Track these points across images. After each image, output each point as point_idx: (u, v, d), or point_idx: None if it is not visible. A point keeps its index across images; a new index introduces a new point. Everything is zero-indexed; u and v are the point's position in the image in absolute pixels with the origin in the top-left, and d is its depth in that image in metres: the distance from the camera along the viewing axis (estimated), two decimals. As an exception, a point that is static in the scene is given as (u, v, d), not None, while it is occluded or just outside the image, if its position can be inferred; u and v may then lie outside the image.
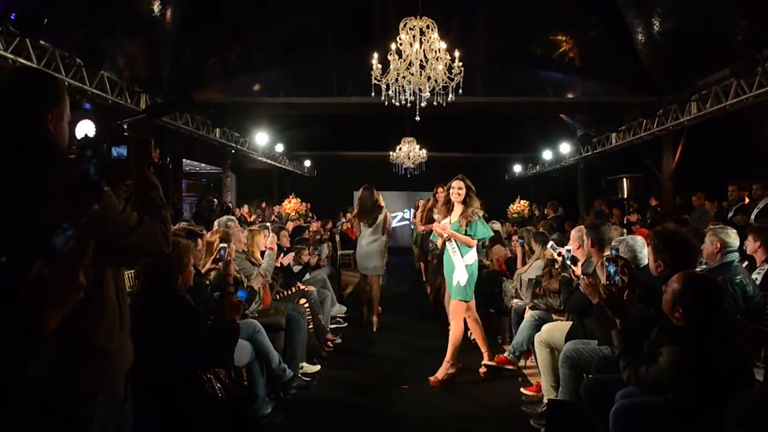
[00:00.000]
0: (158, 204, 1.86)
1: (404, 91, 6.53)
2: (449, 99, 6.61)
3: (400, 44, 6.38)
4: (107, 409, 1.71)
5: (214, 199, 13.90)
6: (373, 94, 6.58)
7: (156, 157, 1.95)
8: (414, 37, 6.33)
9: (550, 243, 5.32)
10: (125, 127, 1.71)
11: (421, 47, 6.32)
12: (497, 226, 9.09)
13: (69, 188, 1.24)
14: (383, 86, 6.50)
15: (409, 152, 15.25)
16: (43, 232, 1.12)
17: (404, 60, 6.36)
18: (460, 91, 6.54)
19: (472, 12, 10.43)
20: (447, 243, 5.43)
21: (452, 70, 6.40)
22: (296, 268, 6.91)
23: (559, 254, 5.00)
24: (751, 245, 4.56)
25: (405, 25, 6.42)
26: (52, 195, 1.35)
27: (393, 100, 6.59)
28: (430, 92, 6.53)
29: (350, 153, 19.56)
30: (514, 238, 7.40)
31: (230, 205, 13.80)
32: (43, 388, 1.20)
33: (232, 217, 5.77)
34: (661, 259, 3.22)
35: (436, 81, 6.44)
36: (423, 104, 6.72)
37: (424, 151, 15.46)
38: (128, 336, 1.90)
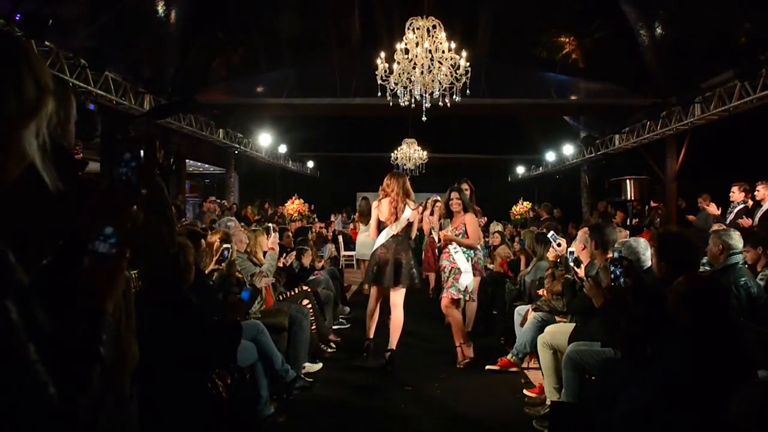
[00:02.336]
0: (163, 204, 1.88)
1: (408, 91, 6.55)
2: (456, 100, 6.63)
3: (406, 44, 6.39)
4: (113, 407, 1.72)
5: (217, 200, 13.92)
6: (379, 94, 6.59)
7: (160, 158, 1.97)
8: (422, 37, 6.34)
9: (551, 233, 5.34)
10: (130, 128, 1.75)
11: (427, 47, 6.33)
12: (499, 227, 9.09)
13: (108, 190, 1.28)
14: (389, 87, 6.51)
15: (409, 153, 15.25)
16: (56, 231, 1.16)
17: (410, 60, 6.37)
18: (468, 92, 6.55)
19: (476, 14, 10.44)
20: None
21: (458, 71, 6.41)
22: (299, 269, 6.91)
23: (559, 244, 5.07)
24: (751, 254, 4.53)
25: (411, 25, 6.43)
26: (63, 196, 1.38)
27: (401, 102, 6.60)
28: (437, 92, 6.55)
29: (353, 154, 19.60)
30: (516, 239, 7.43)
31: (232, 206, 13.81)
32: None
33: (233, 218, 5.77)
34: (664, 261, 3.22)
35: (440, 82, 6.46)
36: (427, 105, 6.74)
37: (424, 152, 15.47)
38: (134, 335, 1.91)
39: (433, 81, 6.43)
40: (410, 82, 6.49)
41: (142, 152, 1.37)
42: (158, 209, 1.83)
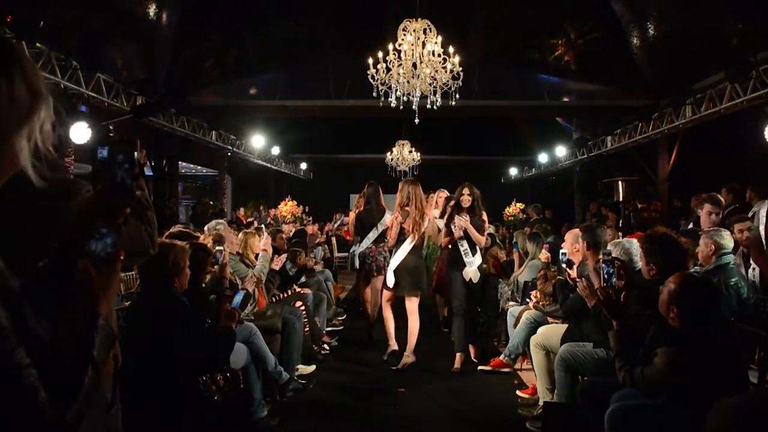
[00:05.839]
0: (143, 205, 1.87)
1: (396, 93, 6.55)
2: (451, 103, 6.65)
3: (399, 45, 6.40)
4: (94, 411, 1.70)
5: (210, 202, 13.88)
6: (374, 94, 6.59)
7: (143, 158, 1.96)
8: (417, 39, 6.35)
9: (562, 252, 5.20)
10: (111, 128, 1.74)
11: (419, 50, 6.34)
12: (491, 229, 9.09)
13: (101, 192, 1.29)
14: (380, 88, 6.52)
15: (402, 155, 15.28)
16: (45, 234, 1.17)
17: (403, 62, 6.38)
18: (457, 95, 6.57)
19: (469, 15, 10.46)
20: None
21: (450, 73, 6.42)
22: (292, 271, 6.91)
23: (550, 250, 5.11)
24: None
25: (404, 28, 6.43)
26: (52, 198, 1.38)
27: (391, 103, 6.61)
28: (430, 94, 6.56)
29: (346, 156, 19.61)
30: (513, 242, 7.42)
31: (223, 208, 13.77)
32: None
33: (221, 221, 5.77)
34: (653, 263, 3.24)
35: (431, 85, 6.47)
36: (415, 107, 6.75)
37: (417, 154, 15.50)
38: (117, 336, 1.89)
39: (418, 78, 6.43)
40: (399, 83, 6.49)
41: (135, 153, 1.37)
42: (139, 210, 1.82)
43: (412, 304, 5.89)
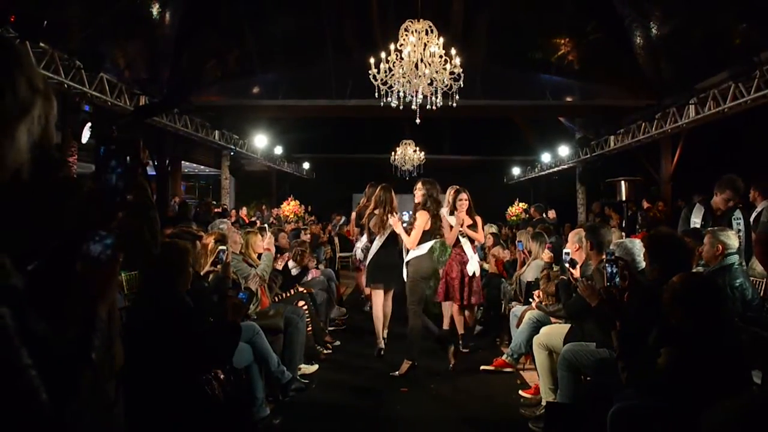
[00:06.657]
0: (146, 205, 1.87)
1: (398, 93, 6.55)
2: (453, 105, 6.64)
3: (401, 46, 6.40)
4: (95, 410, 1.70)
5: (213, 202, 13.90)
6: (376, 95, 6.59)
7: (145, 158, 1.96)
8: (419, 39, 6.36)
9: (565, 252, 5.13)
10: (114, 128, 1.74)
11: (423, 50, 6.34)
12: (493, 229, 9.08)
13: (95, 196, 1.28)
14: (383, 88, 6.52)
15: (406, 155, 15.28)
16: (39, 233, 1.17)
17: (406, 62, 6.37)
18: (456, 96, 6.57)
19: (472, 15, 10.46)
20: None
21: (452, 73, 6.42)
22: (295, 271, 6.90)
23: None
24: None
25: (406, 29, 6.44)
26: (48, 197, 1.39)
27: (392, 103, 6.61)
28: (431, 95, 6.55)
29: (349, 155, 19.61)
30: (516, 242, 7.37)
31: (226, 207, 13.78)
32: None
33: (224, 220, 5.78)
34: (656, 263, 3.23)
35: (433, 85, 6.47)
36: (414, 108, 6.75)
37: (422, 153, 15.50)
38: (118, 335, 1.90)
39: (419, 78, 6.44)
40: (401, 83, 6.49)
41: (129, 158, 1.37)
42: (140, 210, 1.82)
43: (385, 295, 6.30)
